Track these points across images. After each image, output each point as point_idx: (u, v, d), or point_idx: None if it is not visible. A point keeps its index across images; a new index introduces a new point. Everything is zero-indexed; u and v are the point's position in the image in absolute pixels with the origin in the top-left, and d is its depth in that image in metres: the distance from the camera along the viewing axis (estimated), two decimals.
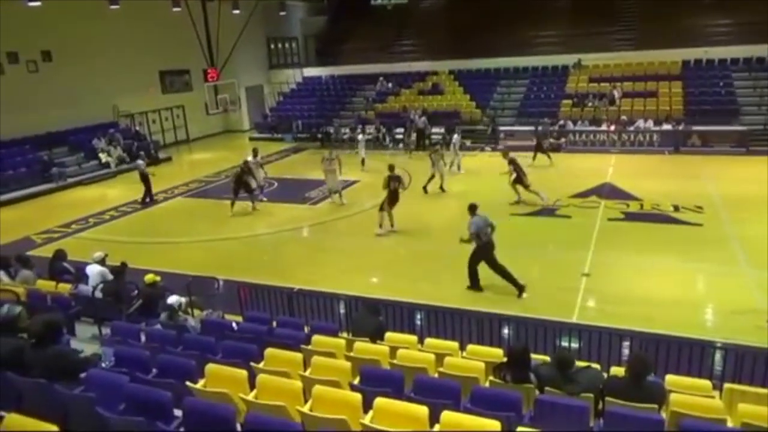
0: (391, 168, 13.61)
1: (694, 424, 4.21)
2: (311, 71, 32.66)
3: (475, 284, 9.95)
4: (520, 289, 9.66)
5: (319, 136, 26.05)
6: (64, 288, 8.58)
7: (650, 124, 21.99)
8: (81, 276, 8.77)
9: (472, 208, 9.81)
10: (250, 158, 16.35)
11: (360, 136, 22.03)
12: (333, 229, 14.11)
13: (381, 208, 13.23)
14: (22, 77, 20.71)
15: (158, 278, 8.41)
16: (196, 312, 8.24)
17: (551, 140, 22.23)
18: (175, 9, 23.54)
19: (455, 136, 20.15)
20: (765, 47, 23.00)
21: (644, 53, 25.23)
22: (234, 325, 7.15)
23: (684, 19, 25.55)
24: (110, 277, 8.52)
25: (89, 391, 4.44)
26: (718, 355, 6.89)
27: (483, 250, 9.73)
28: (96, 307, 7.88)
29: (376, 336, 6.52)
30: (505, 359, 5.28)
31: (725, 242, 11.66)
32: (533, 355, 5.36)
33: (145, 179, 17.05)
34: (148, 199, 17.15)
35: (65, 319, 7.14)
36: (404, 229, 13.63)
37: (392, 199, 13.20)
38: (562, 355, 5.01)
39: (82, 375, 4.75)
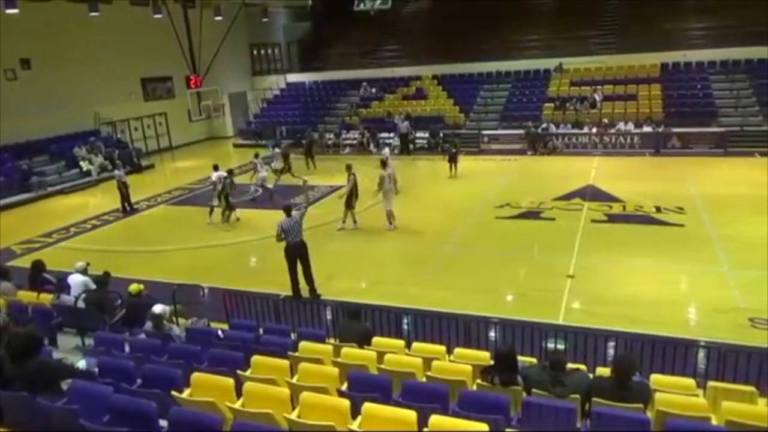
0: (349, 167, 14.13)
1: (679, 423, 4.26)
2: (295, 77, 32.62)
3: (295, 291, 10.00)
4: (315, 294, 9.99)
5: (304, 141, 25.98)
6: (46, 299, 8.44)
7: (631, 126, 22.28)
8: (63, 286, 8.64)
9: (287, 210, 10.08)
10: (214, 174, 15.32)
11: (270, 150, 20.12)
12: (319, 235, 14.03)
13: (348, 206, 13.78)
14: (1, 85, 20.40)
15: (143, 287, 8.33)
16: (181, 321, 8.15)
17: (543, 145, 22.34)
18: (156, 15, 23.41)
19: (386, 149, 18.70)
20: (741, 50, 23.51)
21: (624, 57, 25.58)
22: (220, 332, 7.09)
23: (663, 23, 25.97)
24: (93, 286, 8.40)
25: (72, 403, 4.38)
26: (701, 354, 6.99)
27: (288, 251, 9.93)
28: (79, 318, 7.76)
29: (364, 341, 6.51)
30: (492, 362, 5.30)
31: (706, 242, 11.83)
32: (520, 357, 5.39)
33: (123, 188, 16.81)
34: (128, 208, 16.95)
35: (46, 330, 7.07)
36: (390, 233, 13.65)
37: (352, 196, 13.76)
38: (556, 358, 5.03)
39: (66, 387, 4.68)
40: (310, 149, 21.97)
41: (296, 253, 9.99)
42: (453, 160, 19.00)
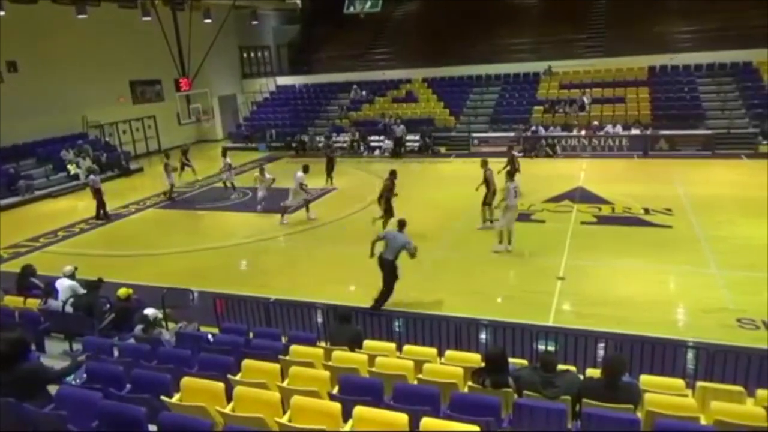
0: (485, 163, 13.80)
1: (668, 423, 4.28)
2: (285, 80, 32.58)
3: None
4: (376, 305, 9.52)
5: (294, 144, 25.99)
6: (33, 304, 8.36)
7: (619, 129, 22.45)
8: (51, 291, 8.56)
9: (401, 224, 9.75)
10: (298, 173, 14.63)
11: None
12: (310, 238, 14.03)
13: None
14: None
15: (131, 291, 8.27)
16: (171, 325, 8.09)
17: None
18: (144, 18, 23.28)
19: (299, 173, 15.04)
20: (727, 53, 23.80)
21: (612, 60, 25.80)
22: (210, 336, 7.05)
23: (650, 26, 26.26)
24: (81, 291, 8.32)
25: (60, 408, 4.33)
26: (690, 354, 7.04)
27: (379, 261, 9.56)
28: (66, 323, 7.68)
29: (354, 344, 6.49)
30: (482, 364, 5.30)
31: (694, 243, 11.93)
32: (510, 359, 5.40)
33: (97, 195, 16.18)
34: (102, 213, 16.22)
35: (34, 335, 7.00)
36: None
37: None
38: (546, 359, 5.05)
39: (53, 392, 4.63)
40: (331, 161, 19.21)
41: (382, 266, 9.50)
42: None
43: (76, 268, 8.87)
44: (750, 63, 23.51)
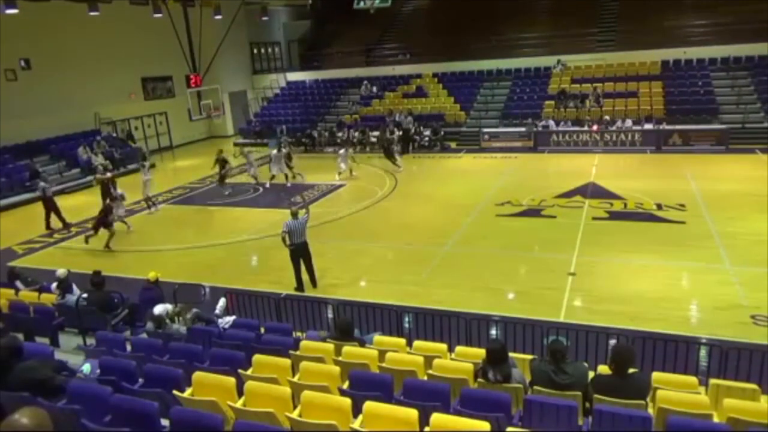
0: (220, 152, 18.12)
1: (680, 420, 4.25)
2: (295, 76, 32.62)
3: (299, 285, 10.46)
4: (300, 287, 10.40)
5: (304, 140, 26.02)
6: (48, 299, 8.46)
7: (629, 123, 22.21)
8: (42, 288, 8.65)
9: (294, 213, 10.43)
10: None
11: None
12: (320, 233, 14.05)
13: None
14: (1, 86, 20.41)
15: (159, 274, 8.69)
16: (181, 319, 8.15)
17: None
18: (156, 15, 23.42)
19: (276, 151, 18.83)
20: (742, 47, 23.47)
21: (624, 54, 25.56)
22: (225, 325, 7.12)
23: (663, 20, 25.94)
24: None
25: (73, 403, 4.38)
26: (703, 351, 6.99)
27: (292, 253, 10.38)
28: (81, 318, 7.76)
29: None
30: (484, 360, 5.28)
31: (708, 239, 11.81)
32: (521, 355, 5.39)
33: (47, 204, 14.79)
34: (61, 225, 15.00)
35: (48, 330, 7.09)
36: (391, 232, 13.66)
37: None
38: (555, 347, 5.05)
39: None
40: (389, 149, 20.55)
41: (299, 254, 10.39)
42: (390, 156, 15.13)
43: (69, 271, 8.72)
44: (766, 56, 23.11)
